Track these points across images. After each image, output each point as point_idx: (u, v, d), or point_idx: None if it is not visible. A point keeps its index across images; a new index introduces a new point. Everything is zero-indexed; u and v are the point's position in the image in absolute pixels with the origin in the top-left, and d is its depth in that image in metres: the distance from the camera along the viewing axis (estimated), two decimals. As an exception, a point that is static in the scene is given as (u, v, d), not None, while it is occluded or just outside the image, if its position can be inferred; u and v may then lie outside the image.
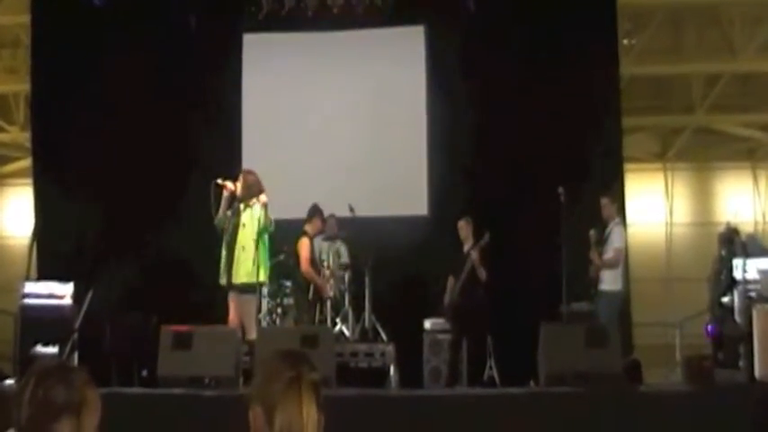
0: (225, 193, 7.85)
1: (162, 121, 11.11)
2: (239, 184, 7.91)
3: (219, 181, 7.83)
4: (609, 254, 8.82)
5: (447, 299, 9.46)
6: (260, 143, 11.56)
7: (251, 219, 7.88)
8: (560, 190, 8.74)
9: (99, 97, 11.10)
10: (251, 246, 7.74)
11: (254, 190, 7.87)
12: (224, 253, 7.81)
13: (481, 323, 9.27)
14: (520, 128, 10.69)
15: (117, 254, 10.35)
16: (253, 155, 11.45)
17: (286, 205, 10.54)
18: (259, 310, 9.41)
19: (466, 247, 9.42)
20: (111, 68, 10.82)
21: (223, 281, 7.82)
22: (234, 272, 7.77)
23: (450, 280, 9.47)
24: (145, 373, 8.80)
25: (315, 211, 9.77)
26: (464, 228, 9.48)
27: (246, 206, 7.89)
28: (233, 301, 7.82)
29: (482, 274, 9.22)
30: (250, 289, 7.81)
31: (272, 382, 2.59)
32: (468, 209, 10.13)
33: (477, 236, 9.36)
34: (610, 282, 8.76)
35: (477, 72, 10.88)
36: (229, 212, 7.88)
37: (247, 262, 7.75)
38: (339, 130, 11.48)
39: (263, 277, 7.84)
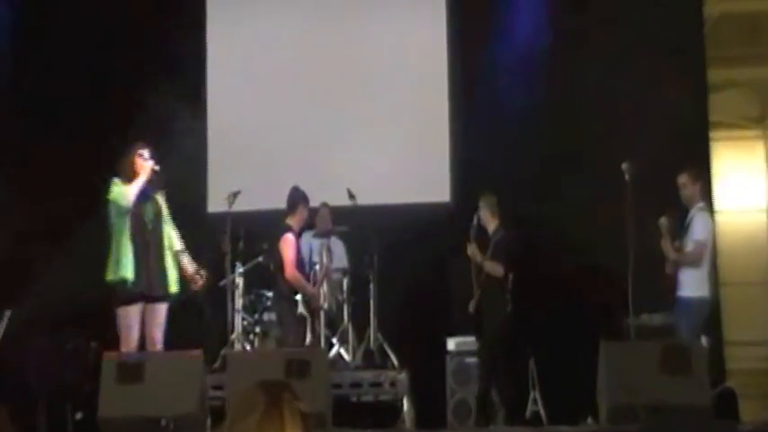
0: (144, 170, 8.05)
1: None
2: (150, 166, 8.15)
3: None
4: (688, 248, 8.78)
5: (472, 307, 9.45)
6: (230, 113, 11.55)
7: (166, 211, 8.23)
8: (624, 166, 8.72)
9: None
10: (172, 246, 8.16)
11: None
12: (130, 248, 7.93)
13: (505, 340, 9.27)
14: (567, 92, 10.69)
15: (41, 262, 10.32)
16: (221, 129, 11.47)
17: (265, 192, 10.61)
18: (232, 331, 9.43)
19: (490, 233, 9.47)
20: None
21: (132, 284, 7.90)
22: (165, 279, 8.01)
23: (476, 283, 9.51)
24: (79, 415, 8.81)
25: (296, 197, 9.71)
26: (485, 208, 9.52)
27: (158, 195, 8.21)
28: (141, 312, 7.93)
29: (494, 268, 9.22)
30: (168, 297, 8.10)
31: (245, 414, 2.67)
32: (502, 194, 10.07)
33: (504, 218, 9.43)
34: (692, 286, 8.70)
35: (510, 24, 10.94)
36: (160, 198, 8.18)
37: (175, 268, 8.07)
38: (335, 99, 11.49)
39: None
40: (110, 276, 7.90)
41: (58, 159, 10.84)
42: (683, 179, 8.93)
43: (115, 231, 7.95)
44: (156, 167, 8.11)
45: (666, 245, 8.76)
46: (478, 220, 9.47)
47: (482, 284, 9.34)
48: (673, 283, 8.73)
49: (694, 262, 8.72)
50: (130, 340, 7.89)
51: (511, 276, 9.33)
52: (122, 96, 11.07)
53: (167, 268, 8.07)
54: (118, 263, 7.88)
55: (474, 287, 9.44)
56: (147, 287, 7.96)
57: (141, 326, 7.95)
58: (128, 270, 7.87)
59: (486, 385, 9.34)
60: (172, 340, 8.37)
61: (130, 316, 7.89)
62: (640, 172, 8.83)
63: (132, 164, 8.07)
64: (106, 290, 8.00)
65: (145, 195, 8.08)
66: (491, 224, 9.48)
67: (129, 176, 8.03)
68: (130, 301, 7.88)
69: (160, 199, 8.22)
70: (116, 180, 8.02)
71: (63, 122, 11.05)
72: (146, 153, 8.12)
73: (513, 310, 9.26)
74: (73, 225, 10.53)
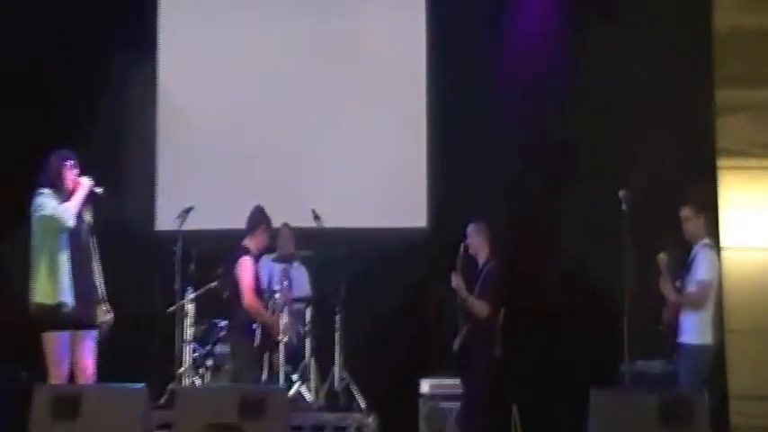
0: (81, 186, 8.09)
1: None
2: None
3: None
4: (691, 289, 8.83)
5: (456, 345, 9.48)
6: (183, 120, 11.54)
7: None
8: (622, 194, 8.78)
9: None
10: None
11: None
12: (68, 269, 7.92)
13: (486, 383, 9.27)
14: (559, 111, 10.76)
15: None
16: (172, 137, 11.48)
17: (220, 210, 10.60)
18: (180, 363, 9.39)
19: (480, 264, 9.47)
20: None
21: (70, 309, 7.89)
22: (98, 303, 7.99)
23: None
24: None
25: (258, 218, 9.73)
26: (475, 235, 9.53)
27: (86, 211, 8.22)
28: (68, 340, 7.91)
29: (479, 308, 9.24)
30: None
31: None
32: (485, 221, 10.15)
33: (495, 247, 9.46)
34: (694, 331, 8.71)
35: (495, 32, 11.01)
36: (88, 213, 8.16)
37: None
38: (302, 108, 11.49)
39: None
40: (42, 300, 7.85)
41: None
42: (685, 212, 8.95)
43: (47, 250, 7.91)
44: (99, 190, 8.13)
45: (666, 285, 8.79)
46: (466, 248, 9.48)
47: (469, 320, 9.33)
48: (673, 328, 8.75)
49: (697, 304, 8.74)
50: (61, 371, 7.85)
51: (502, 311, 9.36)
52: (64, 100, 11.07)
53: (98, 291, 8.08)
54: (54, 285, 7.85)
55: (459, 321, 9.45)
56: (85, 312, 7.94)
57: (70, 355, 7.93)
58: (66, 293, 7.86)
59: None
60: (110, 371, 8.33)
61: (62, 343, 7.86)
62: (639, 201, 8.89)
63: (60, 174, 8.04)
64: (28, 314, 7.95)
65: (77, 211, 8.08)
66: (482, 253, 9.50)
67: (58, 188, 8.01)
68: (62, 326, 7.85)
69: (88, 214, 8.21)
70: (45, 191, 7.97)
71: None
72: (71, 163, 8.11)
73: (502, 351, 9.28)
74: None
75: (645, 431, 7.20)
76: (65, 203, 7.95)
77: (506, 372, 9.44)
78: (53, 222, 7.90)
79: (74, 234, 7.98)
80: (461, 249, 9.44)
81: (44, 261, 7.91)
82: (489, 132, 10.84)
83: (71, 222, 7.93)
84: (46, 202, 7.92)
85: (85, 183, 8.08)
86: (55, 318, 7.83)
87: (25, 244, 8.24)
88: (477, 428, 9.30)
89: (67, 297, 7.87)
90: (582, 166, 10.54)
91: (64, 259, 7.92)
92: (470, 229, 9.56)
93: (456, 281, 9.32)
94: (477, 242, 9.51)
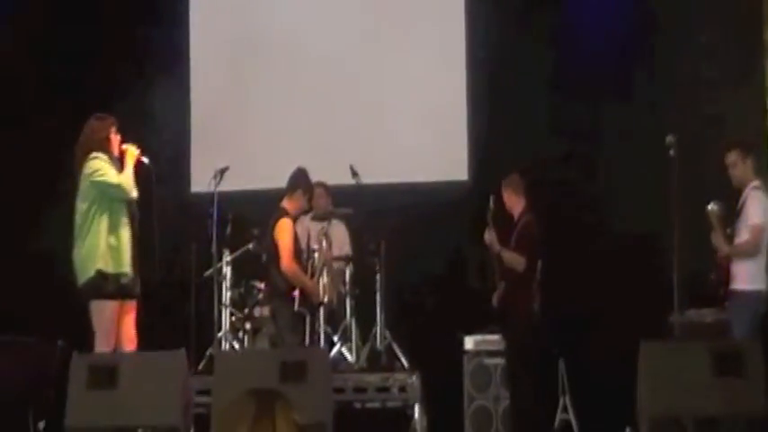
0: (130, 155, 8.14)
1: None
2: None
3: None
4: (742, 236, 8.69)
5: (495, 301, 9.44)
6: (217, 79, 11.54)
7: None
8: (669, 140, 8.66)
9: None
10: None
11: None
12: (129, 239, 7.98)
13: (529, 340, 9.24)
14: (603, 57, 10.63)
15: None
16: (206, 97, 11.46)
17: (254, 171, 10.56)
18: (219, 327, 9.39)
19: (516, 219, 9.45)
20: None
21: (129, 279, 7.95)
22: (135, 267, 8.00)
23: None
24: (42, 424, 8.77)
25: (299, 180, 9.65)
26: (509, 190, 9.46)
27: None
28: (126, 309, 7.97)
29: (515, 261, 9.18)
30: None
31: (233, 427, 2.73)
32: (527, 173, 10.04)
33: (532, 201, 9.41)
34: (747, 277, 8.59)
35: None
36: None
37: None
38: (337, 64, 11.46)
39: None
40: (104, 268, 7.84)
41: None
42: (731, 157, 8.83)
43: (108, 218, 7.92)
44: (146, 160, 8.17)
45: (718, 238, 8.66)
46: (495, 202, 9.36)
47: (506, 276, 9.27)
48: (725, 274, 8.64)
49: (751, 252, 8.63)
50: (112, 340, 7.89)
51: (540, 265, 9.29)
52: (98, 68, 11.17)
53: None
54: (118, 255, 7.90)
55: (496, 278, 9.41)
56: (135, 282, 8.03)
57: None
58: (128, 264, 7.92)
59: (511, 389, 9.40)
60: (148, 338, 8.34)
61: (113, 311, 7.90)
62: (688, 147, 8.78)
63: (107, 139, 8.06)
64: (71, 283, 7.95)
65: None
66: (517, 208, 9.42)
67: (108, 153, 8.03)
68: (115, 295, 7.88)
69: None
70: (100, 155, 7.96)
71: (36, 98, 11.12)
72: (115, 128, 8.14)
73: (541, 306, 9.23)
74: (28, 212, 10.58)
75: (697, 382, 7.23)
76: (125, 173, 7.99)
77: (552, 327, 9.42)
78: (117, 191, 7.91)
79: (129, 204, 8.03)
80: (491, 203, 9.32)
81: (104, 229, 7.93)
82: (533, 76, 10.80)
83: (134, 193, 7.98)
84: (106, 169, 7.95)
85: (133, 151, 8.11)
86: (112, 287, 7.87)
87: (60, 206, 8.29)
88: (520, 385, 9.29)
89: (128, 268, 7.91)
90: (627, 112, 10.50)
91: (126, 229, 7.98)
92: (504, 184, 9.49)
93: (488, 235, 9.24)
94: (512, 197, 9.43)
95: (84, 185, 7.93)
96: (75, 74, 11.17)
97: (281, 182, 9.70)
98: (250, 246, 9.89)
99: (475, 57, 11.22)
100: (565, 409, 9.65)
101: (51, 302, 10.02)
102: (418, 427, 9.25)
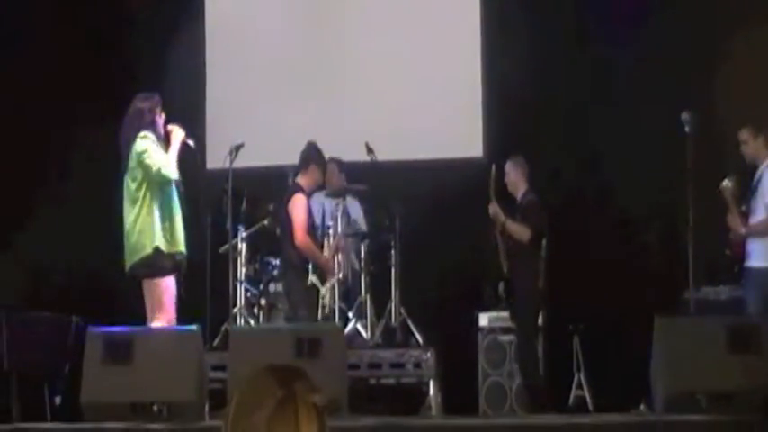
0: (176, 136, 8.13)
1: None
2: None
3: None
4: (758, 214, 8.69)
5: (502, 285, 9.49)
6: (231, 56, 11.53)
7: None
8: (684, 116, 8.64)
9: None
10: None
11: None
12: (180, 216, 8.02)
13: (530, 315, 9.33)
14: (619, 32, 10.55)
15: (11, 224, 10.37)
16: (221, 73, 11.43)
17: (271, 146, 10.56)
18: (234, 303, 9.41)
19: (519, 199, 9.46)
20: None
21: (184, 258, 8.01)
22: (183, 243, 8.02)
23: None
24: (58, 399, 8.81)
25: (311, 155, 9.69)
26: (513, 171, 9.48)
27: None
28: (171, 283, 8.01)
29: (520, 232, 9.21)
30: None
31: (252, 409, 2.67)
32: (542, 149, 10.11)
33: (533, 182, 9.44)
34: (762, 255, 8.61)
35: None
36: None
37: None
38: (352, 39, 11.44)
39: None
40: (160, 246, 7.85)
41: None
42: (744, 135, 8.87)
43: (160, 199, 7.94)
44: (191, 142, 8.22)
45: (734, 219, 8.67)
46: (497, 180, 9.37)
47: (511, 252, 9.28)
48: (740, 251, 8.66)
49: (765, 230, 8.61)
50: (172, 314, 7.93)
51: (544, 242, 9.31)
52: (114, 47, 11.18)
53: None
54: (173, 235, 7.92)
55: (501, 255, 9.41)
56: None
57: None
58: (182, 243, 7.97)
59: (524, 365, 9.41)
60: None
61: (172, 286, 7.94)
62: (703, 123, 8.75)
63: (154, 120, 8.06)
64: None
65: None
66: (520, 188, 9.44)
67: (155, 132, 8.03)
68: (171, 271, 7.93)
69: None
70: (148, 135, 7.95)
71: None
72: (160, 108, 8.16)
73: (546, 282, 9.25)
74: (49, 187, 10.61)
75: (712, 359, 7.24)
76: (170, 155, 7.98)
77: (566, 303, 9.45)
78: (158, 177, 7.90)
79: (177, 184, 8.07)
80: (493, 171, 9.34)
81: (157, 208, 7.91)
82: (548, 53, 10.72)
83: (175, 176, 7.98)
84: (153, 150, 7.92)
85: (179, 133, 8.12)
86: (168, 263, 7.90)
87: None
88: (526, 361, 9.33)
89: (182, 246, 7.97)
90: (643, 87, 10.42)
91: (177, 210, 7.99)
92: (508, 165, 9.50)
93: (493, 208, 9.27)
94: (515, 178, 9.45)
95: (133, 164, 7.90)
96: (88, 53, 11.15)
97: (296, 158, 9.73)
98: (265, 222, 9.89)
99: (490, 33, 11.17)
100: (579, 386, 9.64)
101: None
102: (433, 403, 9.28)
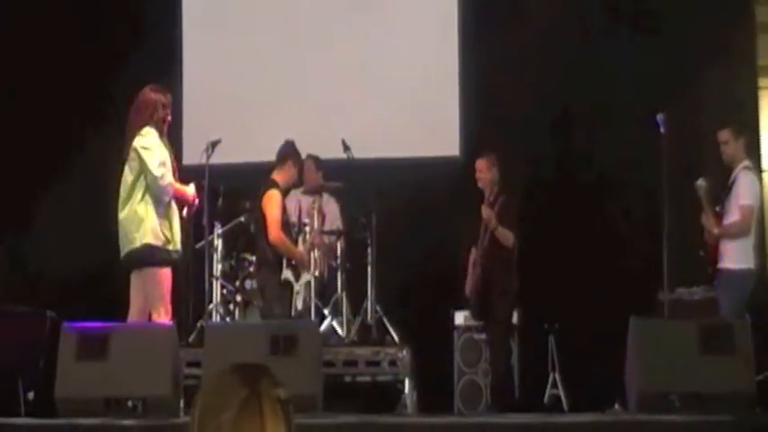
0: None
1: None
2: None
3: None
4: (732, 215, 8.72)
5: (468, 285, 9.45)
6: (208, 52, 11.52)
7: None
8: (659, 117, 8.66)
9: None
10: None
11: None
12: (174, 212, 7.96)
13: (508, 316, 9.34)
14: (595, 31, 10.66)
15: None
16: (197, 70, 11.42)
17: (246, 143, 10.54)
18: (210, 300, 9.40)
19: (490, 198, 9.37)
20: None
21: (179, 255, 8.01)
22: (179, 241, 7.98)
23: (473, 252, 9.45)
24: (32, 394, 8.78)
25: (287, 151, 9.72)
26: (484, 169, 9.40)
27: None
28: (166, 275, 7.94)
29: (507, 237, 9.15)
30: None
31: (218, 410, 2.68)
32: (520, 149, 10.14)
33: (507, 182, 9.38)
34: (735, 256, 8.63)
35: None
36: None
37: None
38: (329, 35, 11.41)
39: None
40: (153, 242, 7.75)
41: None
42: (724, 135, 8.85)
43: (167, 194, 7.85)
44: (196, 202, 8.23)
45: (708, 219, 8.69)
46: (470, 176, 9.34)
47: (489, 253, 9.24)
48: (714, 253, 8.68)
49: (741, 232, 8.65)
50: (169, 306, 7.86)
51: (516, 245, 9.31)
52: (89, 39, 11.17)
53: None
54: (168, 230, 7.82)
55: (471, 264, 9.40)
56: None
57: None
58: (177, 239, 7.90)
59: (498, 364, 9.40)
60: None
61: (168, 278, 7.86)
62: (678, 124, 8.76)
63: (164, 119, 7.94)
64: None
65: None
66: (493, 186, 9.35)
67: (160, 130, 7.93)
68: (164, 262, 7.84)
69: None
70: (152, 131, 7.83)
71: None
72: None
73: (521, 281, 9.25)
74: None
75: (686, 360, 7.26)
76: (171, 181, 7.84)
77: (541, 303, 9.48)
78: (152, 181, 7.75)
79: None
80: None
81: (151, 205, 7.79)
82: (526, 52, 10.71)
83: (168, 197, 7.82)
84: (154, 149, 7.77)
85: (190, 193, 8.08)
86: (161, 257, 7.80)
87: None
88: (502, 359, 9.36)
89: (178, 243, 7.89)
90: (619, 88, 10.44)
91: (174, 207, 7.90)
92: (480, 162, 9.43)
93: (487, 212, 9.16)
94: (487, 175, 9.36)
95: (132, 156, 7.80)
96: (66, 45, 11.13)
97: (273, 155, 9.73)
98: (242, 218, 9.88)
99: (468, 30, 11.18)
100: (554, 385, 9.67)
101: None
102: (408, 401, 9.27)
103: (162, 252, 7.76)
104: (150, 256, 7.73)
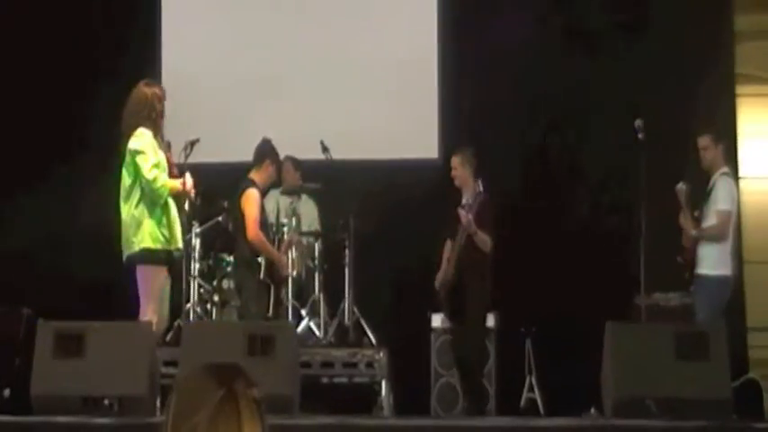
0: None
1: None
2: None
3: None
4: (710, 220, 8.76)
5: (439, 278, 9.37)
6: (187, 52, 11.48)
7: None
8: (637, 123, 8.69)
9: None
10: None
11: None
12: (174, 213, 7.93)
13: (481, 318, 9.27)
14: (573, 37, 10.65)
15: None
16: (176, 70, 11.33)
17: (225, 143, 10.52)
18: (187, 299, 9.38)
19: (464, 200, 9.25)
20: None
21: (180, 254, 8.06)
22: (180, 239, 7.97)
23: (447, 245, 9.36)
24: (7, 392, 8.76)
25: (265, 151, 9.67)
26: (459, 167, 9.27)
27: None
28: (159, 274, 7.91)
29: (485, 242, 9.04)
30: None
31: (192, 411, 2.65)
32: (499, 152, 10.14)
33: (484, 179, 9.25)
34: (712, 262, 8.68)
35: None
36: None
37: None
38: (308, 37, 11.39)
39: None
40: (153, 244, 7.72)
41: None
42: (704, 141, 8.89)
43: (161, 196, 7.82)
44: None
45: (686, 220, 8.74)
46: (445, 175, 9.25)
47: (465, 256, 9.17)
48: (691, 259, 8.72)
49: (718, 237, 8.70)
50: (158, 306, 7.81)
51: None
52: (67, 38, 11.11)
53: None
54: (169, 232, 7.79)
55: (445, 259, 9.33)
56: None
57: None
58: (178, 240, 7.88)
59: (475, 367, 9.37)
60: (116, 308, 8.32)
61: (163, 278, 7.86)
62: (656, 130, 8.80)
63: (159, 119, 7.95)
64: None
65: None
66: (467, 184, 9.19)
67: (155, 129, 7.91)
68: (163, 262, 7.81)
69: None
70: (146, 132, 7.79)
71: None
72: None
73: (498, 285, 9.20)
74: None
75: (661, 365, 7.28)
76: (165, 179, 7.81)
77: (518, 306, 9.48)
78: (146, 184, 7.73)
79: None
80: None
81: (149, 207, 7.76)
82: (505, 55, 10.71)
83: (161, 201, 7.79)
84: (148, 151, 7.74)
85: (188, 182, 8.04)
86: (159, 258, 7.77)
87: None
88: (478, 361, 9.35)
89: (179, 244, 7.89)
90: (597, 93, 10.47)
91: (172, 207, 7.88)
92: (455, 159, 9.28)
93: (465, 217, 8.98)
94: (463, 173, 9.21)
95: (128, 159, 7.75)
96: (44, 44, 11.08)
97: (251, 155, 9.72)
98: (220, 218, 9.85)
99: (447, 33, 11.19)
100: (531, 389, 9.65)
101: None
102: (385, 403, 9.28)
103: (160, 253, 7.74)
104: (147, 259, 7.72)
